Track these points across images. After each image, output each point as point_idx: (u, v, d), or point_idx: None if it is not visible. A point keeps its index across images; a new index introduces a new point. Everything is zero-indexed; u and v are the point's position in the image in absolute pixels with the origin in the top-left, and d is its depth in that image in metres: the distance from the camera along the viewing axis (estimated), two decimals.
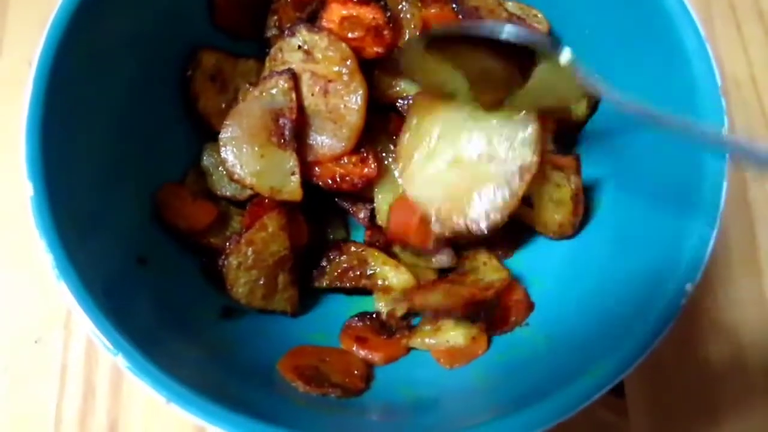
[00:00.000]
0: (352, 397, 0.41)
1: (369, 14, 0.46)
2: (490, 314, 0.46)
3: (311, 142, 0.47)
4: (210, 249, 0.48)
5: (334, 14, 0.47)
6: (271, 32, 0.52)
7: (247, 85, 0.50)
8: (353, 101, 0.46)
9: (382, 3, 0.46)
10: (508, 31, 0.38)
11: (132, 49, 0.44)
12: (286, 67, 0.47)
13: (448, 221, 0.43)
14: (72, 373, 0.53)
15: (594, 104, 0.49)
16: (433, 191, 0.44)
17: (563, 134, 0.49)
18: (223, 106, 0.50)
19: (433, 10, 0.48)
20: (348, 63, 0.46)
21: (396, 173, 0.47)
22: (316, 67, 0.47)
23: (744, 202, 0.60)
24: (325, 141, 0.47)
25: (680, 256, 0.35)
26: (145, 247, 0.43)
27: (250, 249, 0.45)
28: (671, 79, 0.41)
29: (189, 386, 0.33)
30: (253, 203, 0.47)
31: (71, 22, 0.38)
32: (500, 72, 0.41)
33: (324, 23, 0.47)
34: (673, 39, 0.40)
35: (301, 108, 0.47)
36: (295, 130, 0.46)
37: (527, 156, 0.43)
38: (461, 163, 0.44)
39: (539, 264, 0.49)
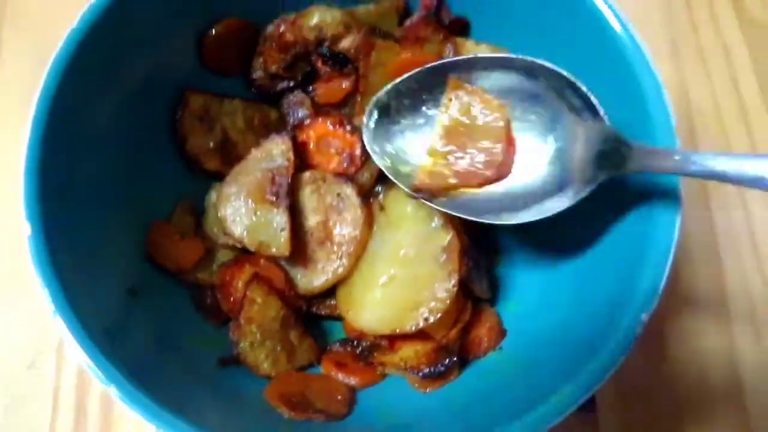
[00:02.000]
0: (334, 422, 0.44)
1: (346, 140, 0.51)
2: (459, 348, 0.48)
3: None
4: (198, 284, 0.50)
5: (317, 130, 0.52)
6: (257, 73, 0.55)
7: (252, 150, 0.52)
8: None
9: (360, 133, 0.50)
10: None
11: (124, 92, 0.46)
12: None
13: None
14: (64, 397, 0.55)
15: None
16: (381, 314, 0.47)
17: None
18: (211, 144, 0.53)
19: (408, 54, 0.52)
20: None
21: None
22: None
23: (711, 232, 0.64)
24: None
25: (637, 288, 0.38)
26: (137, 281, 0.45)
27: (254, 325, 0.48)
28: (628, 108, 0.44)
29: (179, 414, 0.35)
30: (223, 266, 0.50)
31: (67, 69, 0.41)
32: None
33: (302, 136, 0.52)
34: (630, 77, 0.43)
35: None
36: (289, 188, 0.49)
37: (443, 238, 0.46)
38: (394, 279, 0.47)
39: (512, 292, 0.51)
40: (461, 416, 0.41)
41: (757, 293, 0.61)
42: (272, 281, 0.49)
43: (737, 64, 0.71)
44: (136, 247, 0.47)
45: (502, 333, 0.49)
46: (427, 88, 0.46)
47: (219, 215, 0.49)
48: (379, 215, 0.51)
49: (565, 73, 0.42)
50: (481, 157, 0.44)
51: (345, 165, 0.52)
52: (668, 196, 0.40)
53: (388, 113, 0.46)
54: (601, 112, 0.40)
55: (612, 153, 0.39)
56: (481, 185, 0.44)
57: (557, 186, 0.42)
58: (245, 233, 0.49)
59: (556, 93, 0.42)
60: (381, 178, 0.53)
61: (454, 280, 0.45)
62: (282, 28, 0.53)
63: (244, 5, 0.51)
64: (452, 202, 0.44)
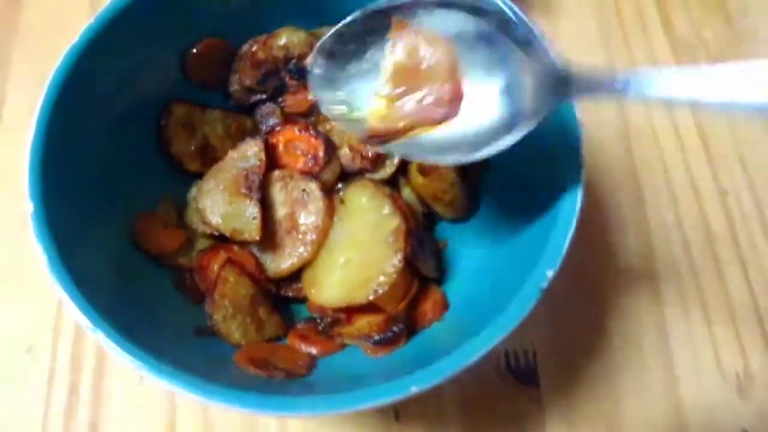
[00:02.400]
0: (294, 379, 0.50)
1: (311, 144, 0.59)
2: (407, 320, 0.55)
3: None
4: (178, 267, 0.57)
5: (285, 135, 0.60)
6: (233, 87, 0.63)
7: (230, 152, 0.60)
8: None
9: (323, 137, 0.58)
10: None
11: (118, 101, 0.54)
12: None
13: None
14: (59, 377, 0.61)
15: None
16: (339, 290, 0.53)
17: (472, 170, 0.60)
18: (192, 148, 0.60)
19: None
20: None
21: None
22: None
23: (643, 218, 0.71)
24: None
25: (545, 248, 0.45)
26: (123, 261, 0.52)
27: (226, 300, 0.54)
28: None
29: (158, 358, 0.41)
30: (201, 252, 0.57)
31: (66, 81, 0.48)
32: None
33: (273, 139, 0.60)
34: None
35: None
36: (260, 183, 0.57)
37: (392, 223, 0.53)
38: (351, 261, 0.54)
39: (456, 273, 0.59)
40: (401, 368, 0.47)
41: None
42: (244, 265, 0.56)
43: None
44: (124, 233, 0.54)
45: (445, 306, 0.56)
46: (370, 31, 0.45)
47: (199, 206, 0.57)
48: (340, 207, 0.58)
49: (506, 8, 0.42)
50: (429, 98, 0.45)
51: (310, 165, 0.60)
52: (573, 162, 0.47)
53: (332, 59, 0.46)
54: (545, 43, 0.40)
55: (557, 83, 0.40)
56: (433, 126, 0.44)
57: (509, 121, 0.43)
58: (221, 221, 0.56)
59: (500, 30, 0.42)
60: (342, 176, 0.61)
61: (399, 257, 0.52)
62: (254, 48, 0.61)
63: (221, 27, 0.60)
64: (405, 144, 0.45)
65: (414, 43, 0.45)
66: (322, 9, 0.61)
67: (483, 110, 0.44)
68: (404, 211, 0.55)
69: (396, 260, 0.52)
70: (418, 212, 0.60)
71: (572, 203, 0.46)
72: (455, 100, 0.44)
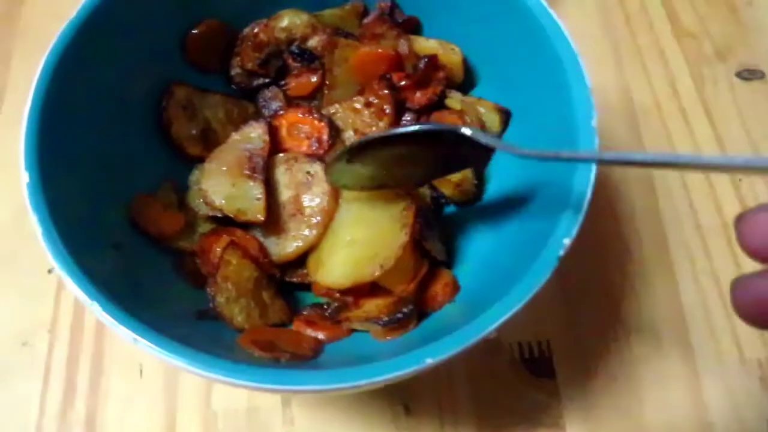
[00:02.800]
0: (300, 362, 0.48)
1: (315, 126, 0.58)
2: (418, 302, 0.53)
3: None
4: (180, 250, 0.55)
5: (289, 118, 0.59)
6: (235, 71, 0.62)
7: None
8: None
9: (327, 120, 0.57)
10: (420, 128, 0.46)
11: (117, 81, 0.53)
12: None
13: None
14: (55, 373, 0.59)
15: (506, 117, 0.58)
16: (345, 269, 0.52)
17: None
18: (193, 132, 0.59)
19: (366, 49, 0.59)
20: None
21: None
22: None
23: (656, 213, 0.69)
24: None
25: (560, 219, 0.43)
26: (122, 239, 0.50)
27: (229, 283, 0.52)
28: (555, 100, 0.50)
29: (158, 331, 0.39)
30: (203, 235, 0.55)
31: (63, 55, 0.47)
32: (418, 155, 0.49)
33: (276, 122, 0.58)
34: (558, 73, 0.49)
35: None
36: (264, 165, 0.55)
37: (400, 203, 0.52)
38: (356, 240, 0.52)
39: (465, 256, 0.56)
40: (411, 346, 0.45)
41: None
42: (247, 248, 0.54)
43: (674, 70, 0.78)
44: (123, 214, 0.52)
45: (456, 288, 0.53)
46: None
47: (201, 188, 0.55)
48: (344, 190, 0.56)
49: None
50: None
51: (314, 148, 0.58)
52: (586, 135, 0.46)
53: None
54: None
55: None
56: None
57: None
58: (224, 202, 0.54)
59: None
60: None
61: (405, 232, 0.50)
62: (256, 30, 0.60)
63: (222, 10, 0.59)
64: None
65: None
66: None
67: None
68: (412, 193, 0.54)
69: (402, 235, 0.51)
70: (425, 195, 0.59)
71: (586, 173, 0.44)
72: None
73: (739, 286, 0.32)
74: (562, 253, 0.42)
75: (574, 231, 0.43)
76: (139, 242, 0.52)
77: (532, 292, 0.41)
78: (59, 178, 0.45)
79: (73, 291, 0.40)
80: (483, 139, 0.43)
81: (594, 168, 0.44)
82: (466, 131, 0.43)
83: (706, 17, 0.81)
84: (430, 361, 0.39)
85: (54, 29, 0.71)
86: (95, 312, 0.40)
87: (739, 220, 0.31)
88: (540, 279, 0.41)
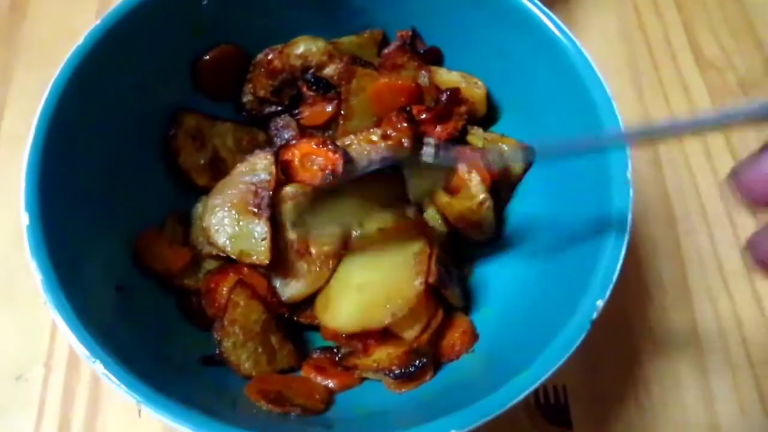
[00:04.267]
0: (311, 416, 0.45)
1: (329, 158, 0.54)
2: (433, 352, 0.50)
3: None
4: (184, 289, 0.52)
5: (302, 149, 0.55)
6: (247, 98, 0.59)
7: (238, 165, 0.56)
8: None
9: (342, 151, 0.53)
10: (380, 161, 0.46)
11: (123, 109, 0.50)
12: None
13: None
14: (49, 409, 0.56)
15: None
16: (354, 313, 0.49)
17: (501, 188, 0.56)
18: (202, 162, 0.56)
19: (385, 80, 0.56)
20: None
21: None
22: None
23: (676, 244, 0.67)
24: None
25: (592, 276, 0.41)
26: (125, 280, 0.47)
27: (236, 327, 0.50)
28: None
29: (161, 392, 0.37)
30: (209, 274, 0.52)
31: (68, 84, 0.45)
32: (385, 188, 0.49)
33: (288, 154, 0.54)
34: (586, 97, 0.47)
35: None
36: (270, 201, 0.52)
37: (415, 245, 0.50)
38: (368, 283, 0.50)
39: (484, 300, 0.54)
40: (430, 404, 0.43)
41: None
42: (255, 288, 0.51)
43: (696, 102, 0.76)
44: (126, 251, 0.50)
45: (474, 337, 0.51)
46: None
47: (203, 225, 0.52)
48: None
49: None
50: None
51: (329, 180, 0.55)
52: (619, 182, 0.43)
53: None
54: None
55: None
56: None
57: None
58: (228, 242, 0.51)
59: None
60: None
61: (420, 279, 0.48)
62: (270, 56, 0.57)
63: (236, 35, 0.56)
64: None
65: None
66: (339, 17, 0.58)
67: None
68: (428, 233, 0.51)
69: (417, 282, 0.48)
70: (442, 234, 0.56)
71: (622, 225, 0.42)
72: None
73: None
74: (595, 316, 0.40)
75: (608, 293, 0.40)
76: (142, 282, 0.49)
77: (563, 359, 0.38)
78: (61, 217, 0.42)
79: (75, 346, 0.38)
80: (444, 161, 0.43)
81: (627, 237, 0.42)
82: (428, 159, 0.43)
83: (729, 49, 0.79)
84: None
85: (57, 43, 0.68)
86: (97, 370, 0.37)
87: (737, 173, 0.30)
88: (571, 344, 0.39)
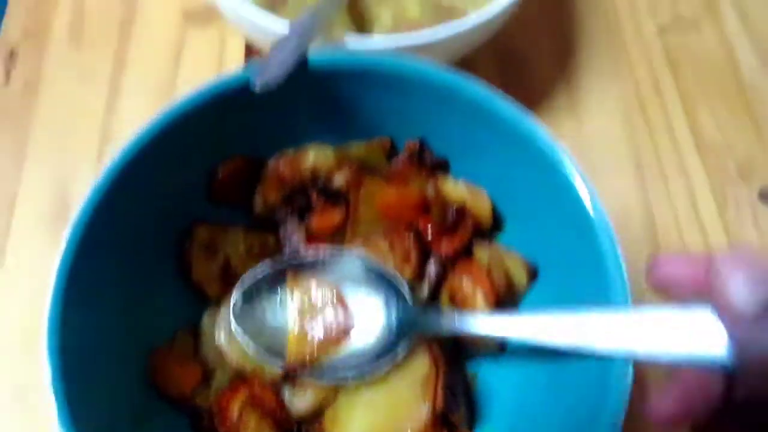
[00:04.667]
0: None
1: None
2: None
3: None
4: (196, 408, 0.53)
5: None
6: (258, 206, 0.60)
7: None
8: None
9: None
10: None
11: (135, 234, 0.51)
12: None
13: None
14: None
15: (533, 273, 0.57)
16: None
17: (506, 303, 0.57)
18: (213, 271, 0.57)
19: (393, 191, 0.58)
20: None
21: None
22: None
23: None
24: None
25: (605, 398, 0.42)
26: (141, 408, 0.49)
27: None
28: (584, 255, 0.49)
29: None
30: (219, 392, 0.53)
31: (89, 221, 0.46)
32: None
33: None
34: (591, 238, 0.48)
35: None
36: None
37: (421, 370, 0.51)
38: (376, 403, 0.51)
39: (489, 413, 0.55)
40: None
41: None
42: (265, 404, 0.53)
43: (696, 186, 0.78)
44: (140, 374, 0.51)
45: None
46: (276, 279, 0.54)
47: (216, 343, 0.53)
48: None
49: (383, 271, 0.53)
50: (327, 324, 0.53)
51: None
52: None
53: (250, 298, 0.53)
54: (408, 299, 0.52)
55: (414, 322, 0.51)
56: (336, 345, 0.52)
57: (387, 346, 0.52)
58: (240, 359, 0.53)
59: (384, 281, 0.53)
60: None
61: (428, 408, 0.49)
62: (281, 166, 0.58)
63: (248, 144, 0.57)
64: (318, 372, 0.52)
65: (306, 289, 0.54)
66: (349, 124, 0.59)
67: (370, 333, 0.52)
68: (435, 354, 0.52)
69: (424, 412, 0.50)
70: (446, 345, 0.57)
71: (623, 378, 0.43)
72: (346, 318, 0.53)
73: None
74: None
75: (622, 411, 0.42)
76: (156, 407, 0.50)
77: None
78: (83, 363, 0.43)
79: None
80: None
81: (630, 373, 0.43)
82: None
83: (728, 131, 0.81)
84: None
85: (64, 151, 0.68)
86: None
87: (652, 264, 0.42)
88: None
